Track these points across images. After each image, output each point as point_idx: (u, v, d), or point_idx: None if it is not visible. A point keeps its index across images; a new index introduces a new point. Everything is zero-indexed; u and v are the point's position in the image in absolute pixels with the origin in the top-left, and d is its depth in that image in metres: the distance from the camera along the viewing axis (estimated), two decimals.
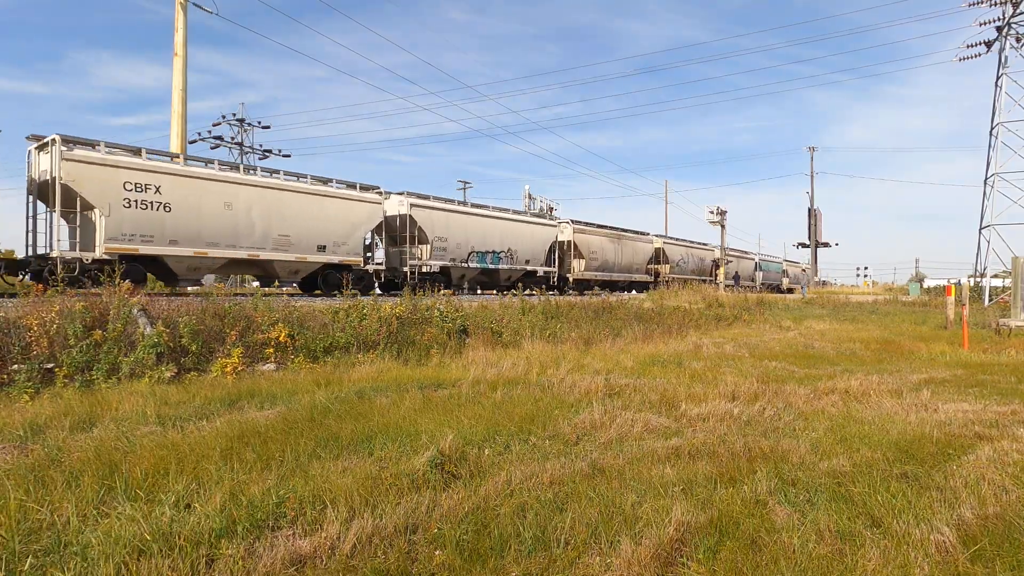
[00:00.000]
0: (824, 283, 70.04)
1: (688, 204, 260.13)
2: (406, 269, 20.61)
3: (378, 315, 10.23)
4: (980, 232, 31.55)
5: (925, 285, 50.69)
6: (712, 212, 34.16)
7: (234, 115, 45.10)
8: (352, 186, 19.39)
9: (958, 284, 25.64)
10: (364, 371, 8.10)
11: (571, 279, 28.69)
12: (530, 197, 40.74)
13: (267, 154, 46.36)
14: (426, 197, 22.00)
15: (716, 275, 41.67)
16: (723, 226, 34.46)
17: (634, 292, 25.57)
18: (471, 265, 23.00)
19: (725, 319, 18.74)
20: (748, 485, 3.76)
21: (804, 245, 54.54)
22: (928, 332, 15.94)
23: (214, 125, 44.62)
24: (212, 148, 44.26)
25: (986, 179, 31.58)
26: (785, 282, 58.17)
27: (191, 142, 38.81)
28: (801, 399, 6.54)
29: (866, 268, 75.38)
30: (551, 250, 27.86)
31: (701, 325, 16.60)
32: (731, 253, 44.41)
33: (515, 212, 27.05)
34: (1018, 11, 29.85)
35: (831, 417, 5.73)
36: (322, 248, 18.02)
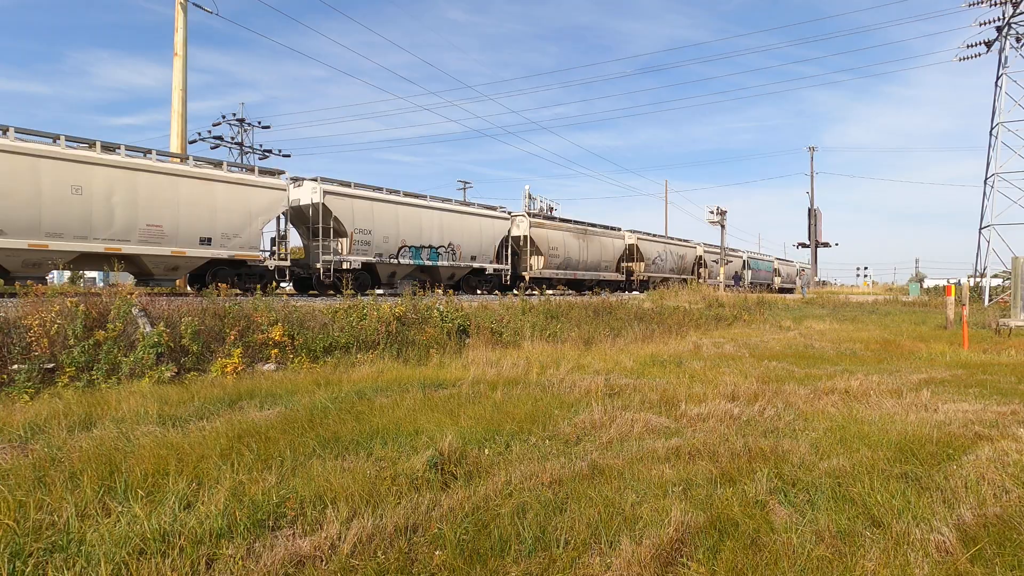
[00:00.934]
0: (823, 283, 69.04)
1: (688, 204, 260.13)
2: (319, 265, 18.22)
3: (377, 315, 10.23)
4: (980, 232, 31.56)
5: (925, 285, 50.65)
6: (712, 212, 34.14)
7: (234, 115, 45.04)
8: (250, 170, 17.19)
9: (958, 284, 25.65)
10: (364, 371, 8.10)
11: (527, 277, 26.10)
12: (530, 197, 40.71)
13: (267, 154, 46.33)
14: (346, 184, 19.53)
15: (700, 273, 40.30)
16: (723, 226, 34.44)
17: (604, 292, 22.91)
18: (403, 261, 20.53)
19: (725, 319, 18.74)
20: (748, 485, 3.76)
21: (804, 245, 54.43)
22: (928, 332, 15.94)
23: (214, 125, 44.56)
24: (212, 148, 44.21)
25: (986, 179, 31.60)
26: (777, 281, 55.70)
27: (191, 142, 38.85)
28: (801, 399, 6.54)
29: (866, 268, 74.99)
30: (503, 246, 25.38)
31: (701, 325, 16.60)
32: (714, 251, 42.52)
33: (458, 203, 24.06)
34: (1018, 11, 29.85)
35: (831, 417, 5.73)
36: (207, 241, 15.55)
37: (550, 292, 21.53)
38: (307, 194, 18.60)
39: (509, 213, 26.52)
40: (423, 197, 22.21)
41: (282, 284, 18.66)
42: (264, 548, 2.87)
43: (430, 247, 21.73)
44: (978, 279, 31.11)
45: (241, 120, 45.24)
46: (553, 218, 29.13)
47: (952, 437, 4.98)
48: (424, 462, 3.95)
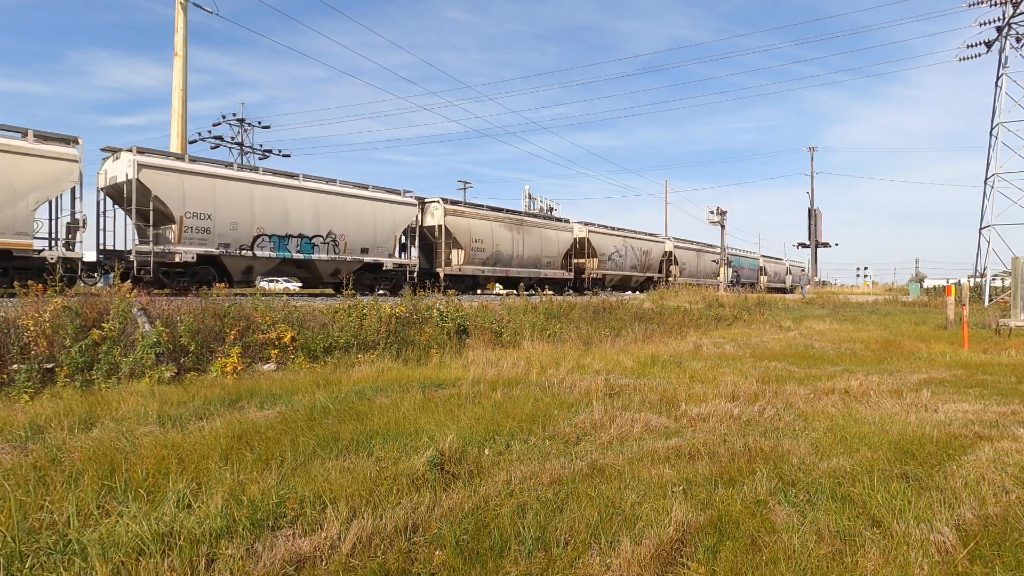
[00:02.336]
0: (822, 283, 67.58)
1: (688, 204, 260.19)
2: (133, 258, 14.82)
3: (377, 315, 10.23)
4: (980, 232, 31.55)
5: (925, 285, 50.59)
6: (712, 212, 34.10)
7: (234, 115, 45.11)
8: (23, 134, 13.52)
9: (958, 284, 25.65)
10: (364, 371, 8.10)
11: (442, 275, 22.30)
12: (530, 197, 40.75)
13: (267, 154, 46.39)
14: (179, 157, 16.39)
15: (670, 272, 36.70)
16: (723, 226, 34.43)
17: (548, 292, 20.09)
18: (260, 254, 16.83)
19: (725, 319, 18.74)
20: (748, 485, 3.76)
21: (804, 245, 54.43)
22: (928, 332, 15.94)
23: (214, 125, 44.64)
24: (212, 148, 44.30)
25: (986, 179, 31.59)
26: (763, 281, 51.08)
27: (191, 142, 38.82)
28: (801, 399, 6.54)
29: (866, 268, 74.19)
30: (409, 237, 21.92)
31: (701, 325, 16.60)
32: (687, 246, 39.16)
33: (343, 184, 19.70)
34: (1018, 11, 29.85)
35: (831, 417, 5.73)
36: None
37: (476, 293, 20.21)
38: (120, 169, 15.32)
39: (418, 198, 22.55)
40: (294, 176, 18.26)
41: (87, 280, 14.90)
42: (264, 548, 2.87)
43: (301, 236, 17.81)
44: (978, 279, 31.11)
45: (241, 120, 45.29)
46: (478, 205, 24.85)
47: (952, 437, 4.98)
48: (424, 462, 3.95)
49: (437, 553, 2.90)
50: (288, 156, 47.49)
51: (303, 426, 4.97)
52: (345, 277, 17.48)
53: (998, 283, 31.27)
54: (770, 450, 4.57)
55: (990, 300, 28.86)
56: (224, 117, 44.75)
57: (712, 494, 3.65)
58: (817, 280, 57.93)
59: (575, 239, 29.75)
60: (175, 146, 20.51)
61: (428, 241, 23.07)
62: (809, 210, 53.49)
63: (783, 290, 50.03)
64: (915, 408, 6.15)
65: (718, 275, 42.52)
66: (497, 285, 25.42)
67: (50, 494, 3.38)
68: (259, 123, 46.02)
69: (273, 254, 17.31)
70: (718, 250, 44.09)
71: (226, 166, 17.14)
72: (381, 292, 17.90)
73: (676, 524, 3.14)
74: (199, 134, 44.20)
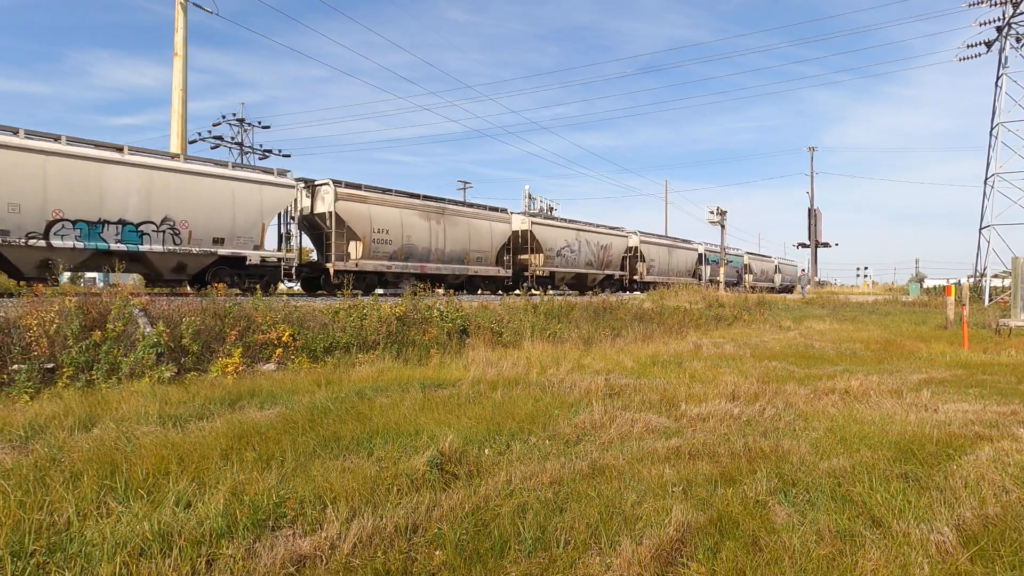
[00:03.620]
0: (821, 283, 66.11)
1: (688, 204, 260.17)
2: None
3: (378, 315, 10.24)
4: (980, 232, 31.56)
5: (925, 285, 50.57)
6: (712, 212, 34.08)
7: (234, 115, 45.08)
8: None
9: (958, 284, 25.65)
10: (364, 371, 8.10)
11: (332, 270, 18.21)
12: (530, 197, 40.70)
13: (267, 154, 46.38)
14: None
15: (636, 269, 33.19)
16: (723, 226, 34.43)
17: (484, 294, 18.18)
18: (59, 244, 13.05)
19: (725, 319, 18.75)
20: (748, 485, 3.76)
21: (804, 245, 54.47)
22: (928, 332, 15.94)
23: (214, 125, 44.60)
24: (212, 148, 44.28)
25: (986, 179, 31.60)
26: (748, 279, 46.66)
27: (191, 142, 38.82)
28: (801, 399, 6.54)
29: (866, 268, 73.37)
30: (285, 225, 17.99)
31: (701, 325, 16.61)
32: (657, 241, 35.40)
33: (191, 160, 16.01)
34: (1018, 11, 29.86)
35: (831, 417, 5.73)
36: None
37: (381, 293, 17.00)
38: None
39: (305, 180, 18.68)
40: (117, 149, 14.31)
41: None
42: (264, 548, 2.87)
43: (123, 223, 14.13)
44: (978, 279, 31.11)
45: (241, 120, 45.28)
46: (385, 190, 20.37)
47: (952, 437, 4.98)
48: (425, 462, 3.95)
49: (437, 553, 2.90)
50: (288, 156, 47.50)
51: (303, 426, 4.97)
52: (197, 272, 15.45)
53: (998, 283, 31.28)
54: (770, 450, 4.57)
55: (990, 300, 28.87)
56: (224, 117, 44.74)
57: (712, 494, 3.65)
58: (817, 280, 57.44)
59: (515, 232, 25.52)
60: (175, 146, 20.49)
61: (317, 231, 19.17)
62: (809, 210, 53.52)
63: (771, 290, 45.12)
64: (915, 408, 6.15)
65: (695, 273, 39.25)
66: (413, 281, 20.76)
67: (50, 494, 3.38)
68: (259, 123, 46.01)
69: (81, 244, 13.45)
70: (695, 246, 40.52)
71: (10, 132, 12.82)
72: (241, 291, 14.57)
73: (676, 524, 3.14)
74: (199, 134, 44.20)
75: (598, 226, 31.20)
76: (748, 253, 51.53)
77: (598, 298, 17.92)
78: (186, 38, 20.85)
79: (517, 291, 24.34)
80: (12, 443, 4.56)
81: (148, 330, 7.77)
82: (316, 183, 18.80)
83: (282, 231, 18.18)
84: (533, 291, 23.34)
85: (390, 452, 4.30)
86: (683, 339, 13.25)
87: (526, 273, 25.81)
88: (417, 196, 21.42)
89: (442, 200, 22.22)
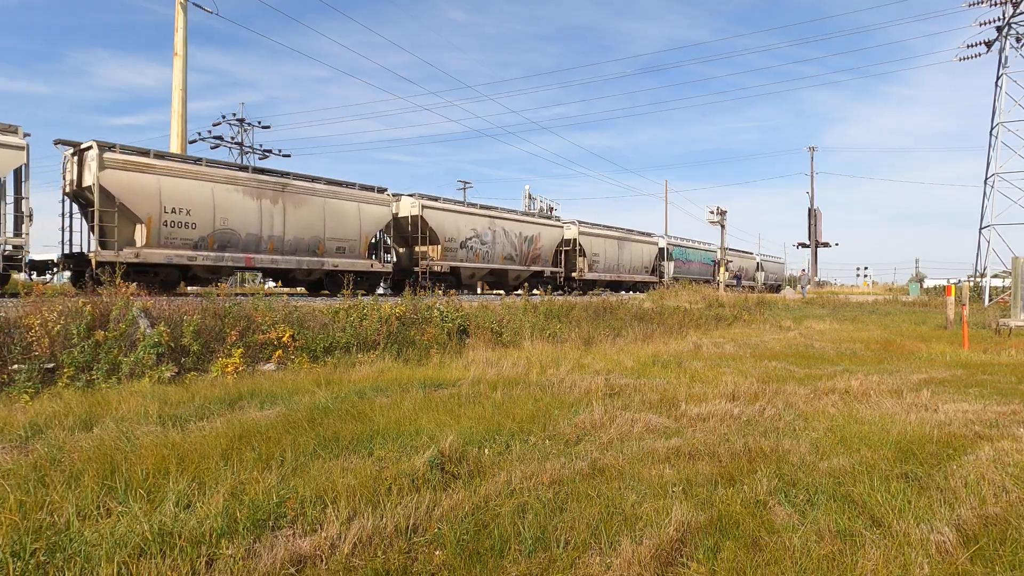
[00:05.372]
0: (821, 283, 64.99)
1: (688, 204, 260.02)
2: None
3: (378, 315, 10.25)
4: (980, 232, 31.56)
5: (925, 285, 50.55)
6: (712, 212, 34.08)
7: (234, 115, 45.08)
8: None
9: (958, 284, 25.65)
10: (364, 371, 8.10)
11: (93, 262, 13.46)
12: (530, 197, 40.71)
13: (267, 154, 46.37)
14: None
15: (576, 264, 28.74)
16: (723, 226, 34.43)
17: (360, 294, 13.26)
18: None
19: (725, 319, 18.76)
20: (748, 485, 3.76)
21: (804, 245, 54.44)
22: (928, 332, 15.94)
23: (214, 125, 44.60)
24: (212, 148, 44.27)
25: (986, 179, 31.60)
26: (724, 277, 39.84)
27: (191, 142, 38.81)
28: (801, 399, 6.54)
29: (866, 268, 72.63)
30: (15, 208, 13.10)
31: (701, 325, 16.61)
32: (603, 233, 30.83)
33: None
34: (1018, 11, 29.85)
35: (831, 417, 5.73)
36: None
37: (183, 293, 14.19)
38: None
39: (74, 146, 14.38)
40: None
41: None
42: (264, 548, 2.87)
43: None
44: (978, 279, 31.11)
45: (241, 120, 45.28)
46: (185, 158, 16.25)
47: (952, 437, 4.98)
48: (425, 462, 3.96)
49: (437, 553, 2.90)
50: (288, 156, 47.49)
51: (303, 426, 4.97)
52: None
53: (998, 283, 31.27)
54: (770, 450, 4.57)
55: (990, 300, 28.87)
56: (224, 117, 44.74)
57: (712, 494, 3.65)
58: (817, 280, 57.01)
59: (398, 218, 20.98)
60: (175, 146, 20.50)
61: (95, 208, 13.92)
62: (809, 210, 53.53)
63: (751, 290, 38.47)
64: (915, 408, 6.15)
65: (655, 271, 35.08)
66: (272, 280, 17.37)
67: (50, 494, 3.38)
68: (259, 123, 46.00)
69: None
70: (655, 239, 36.13)
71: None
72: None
73: (676, 524, 3.14)
74: (199, 134, 44.19)
75: (524, 214, 27.12)
76: (729, 249, 44.95)
77: (598, 298, 17.92)
78: (186, 38, 20.85)
79: (389, 290, 20.64)
80: (12, 443, 4.56)
81: (149, 330, 7.77)
82: (82, 146, 14.14)
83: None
84: (440, 291, 18.05)
85: (390, 452, 4.30)
86: (683, 339, 13.25)
87: (416, 269, 20.83)
88: (244, 168, 16.95)
89: (284, 174, 17.52)
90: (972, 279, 32.10)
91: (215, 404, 5.84)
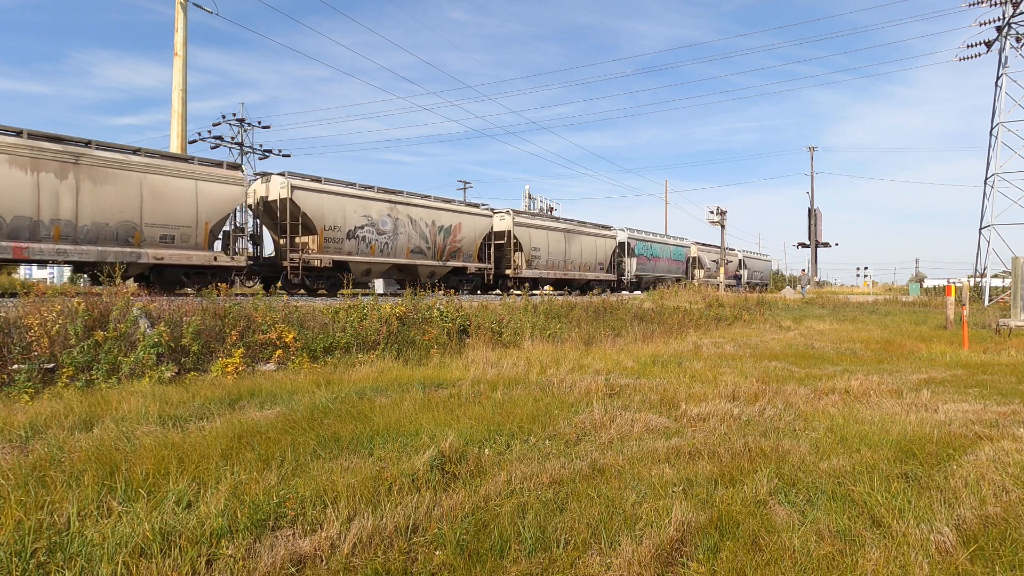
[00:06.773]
0: (821, 283, 64.53)
1: (688, 204, 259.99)
2: None
3: (378, 315, 10.25)
4: (980, 232, 31.58)
5: (925, 285, 50.53)
6: (712, 212, 34.10)
7: (234, 115, 45.07)
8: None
9: (958, 284, 25.64)
10: (364, 371, 8.10)
11: None
12: (530, 197, 40.68)
13: (267, 154, 46.38)
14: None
15: (512, 261, 25.30)
16: (723, 226, 34.43)
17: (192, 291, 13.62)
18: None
19: (725, 319, 18.76)
20: (748, 485, 3.76)
21: (804, 245, 54.44)
22: (928, 332, 15.94)
23: (214, 125, 44.59)
24: (212, 148, 44.27)
25: (986, 179, 31.61)
26: (699, 275, 37.84)
27: (191, 142, 38.86)
28: (801, 399, 6.54)
29: (866, 268, 73.21)
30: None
31: (701, 325, 16.61)
32: (547, 225, 27.46)
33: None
34: (1018, 11, 29.86)
35: (831, 417, 5.73)
36: None
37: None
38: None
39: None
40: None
41: None
42: (264, 548, 2.87)
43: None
44: (978, 279, 31.11)
45: (241, 120, 45.27)
46: (19, 132, 12.96)
47: (952, 437, 4.98)
48: (425, 462, 3.96)
49: (437, 553, 2.90)
50: (288, 156, 47.51)
51: (304, 426, 4.97)
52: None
53: (998, 283, 31.28)
54: (770, 450, 4.57)
55: (990, 300, 28.88)
56: (224, 117, 44.73)
57: (712, 494, 3.65)
58: (817, 280, 56.92)
59: (268, 202, 17.64)
60: (175, 146, 20.49)
61: None
62: (809, 210, 53.52)
63: (731, 289, 35.32)
64: (915, 408, 6.15)
65: (611, 267, 31.63)
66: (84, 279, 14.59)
67: (50, 494, 3.38)
68: (259, 123, 45.98)
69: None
70: (613, 232, 32.24)
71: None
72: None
73: (676, 524, 3.14)
74: (199, 134, 44.18)
75: (439, 199, 22.32)
76: (700, 244, 42.45)
77: (598, 298, 17.93)
78: (186, 38, 20.84)
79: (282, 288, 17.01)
80: (12, 443, 4.56)
81: (149, 330, 7.77)
82: None
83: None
84: (319, 291, 16.94)
85: (390, 452, 4.30)
86: (683, 339, 13.25)
87: (284, 263, 17.62)
88: (17, 132, 12.95)
89: (85, 143, 13.77)
90: (972, 279, 32.10)
91: (215, 404, 5.84)
